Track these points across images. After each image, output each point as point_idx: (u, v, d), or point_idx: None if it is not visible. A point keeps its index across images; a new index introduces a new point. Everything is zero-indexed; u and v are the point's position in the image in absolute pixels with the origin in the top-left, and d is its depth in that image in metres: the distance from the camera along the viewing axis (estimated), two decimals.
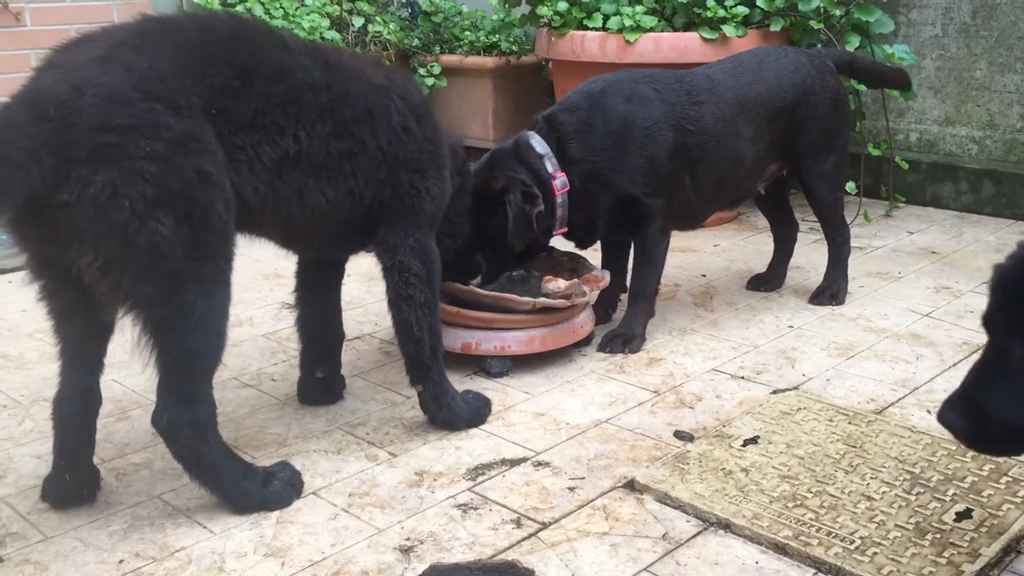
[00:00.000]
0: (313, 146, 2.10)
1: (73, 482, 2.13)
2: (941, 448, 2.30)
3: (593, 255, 3.19)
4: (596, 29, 4.05)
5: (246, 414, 2.59)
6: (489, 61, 5.13)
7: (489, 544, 1.99)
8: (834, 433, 2.40)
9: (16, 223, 1.87)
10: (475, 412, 2.50)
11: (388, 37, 5.08)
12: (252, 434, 2.48)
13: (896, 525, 2.01)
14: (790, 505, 2.09)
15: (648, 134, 2.87)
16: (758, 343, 3.02)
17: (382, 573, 1.90)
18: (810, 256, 3.77)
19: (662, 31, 4.01)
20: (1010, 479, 2.17)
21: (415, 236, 2.33)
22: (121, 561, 1.95)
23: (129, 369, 2.62)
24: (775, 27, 4.03)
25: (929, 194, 4.69)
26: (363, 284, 3.55)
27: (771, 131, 3.11)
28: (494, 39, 5.24)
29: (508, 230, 2.76)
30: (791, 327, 3.15)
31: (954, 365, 2.83)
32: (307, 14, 4.81)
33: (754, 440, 2.37)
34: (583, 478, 2.25)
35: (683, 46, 3.94)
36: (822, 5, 4.01)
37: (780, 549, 1.95)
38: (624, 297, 3.18)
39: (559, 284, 2.85)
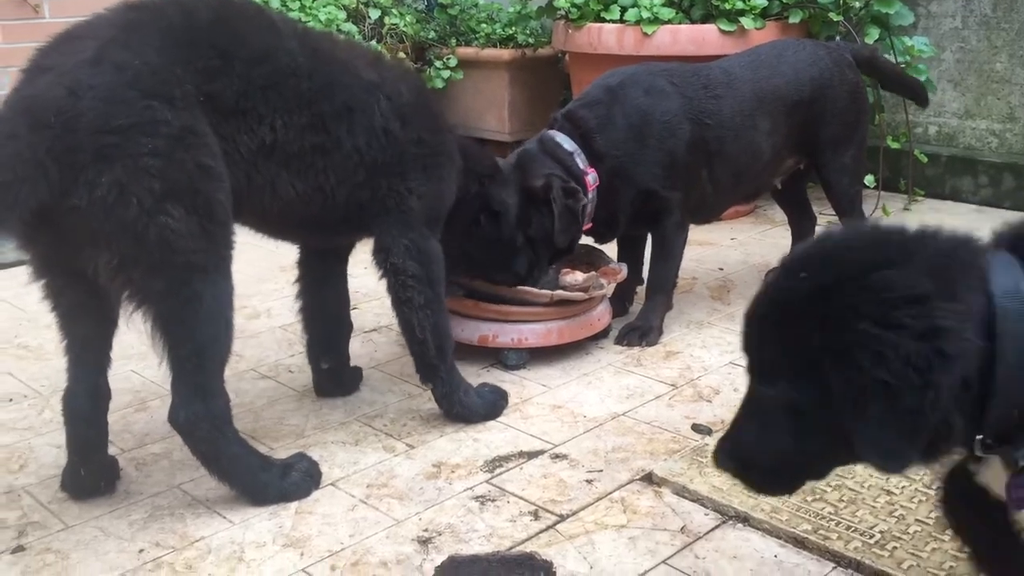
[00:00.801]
0: (288, 136, 2.06)
1: (88, 475, 2.14)
2: None
3: (608, 248, 3.18)
4: (613, 21, 4.03)
5: (264, 405, 2.60)
6: (505, 53, 5.12)
7: (507, 536, 2.00)
8: None
9: (22, 228, 1.85)
10: (491, 405, 2.50)
11: (404, 29, 5.07)
12: (270, 425, 2.49)
13: (916, 519, 2.00)
14: (809, 499, 2.08)
15: (667, 127, 2.86)
16: None
17: (400, 564, 1.91)
18: None
19: (680, 23, 3.99)
20: None
21: (408, 237, 2.30)
22: (141, 550, 1.96)
23: (147, 360, 2.62)
24: (794, 19, 4.00)
25: (948, 188, 4.66)
26: None
27: (789, 124, 3.09)
28: (510, 31, 5.23)
29: (554, 227, 2.71)
30: None
31: None
32: (324, 6, 4.81)
33: None
34: (601, 471, 2.25)
35: (701, 38, 3.92)
36: None
37: (799, 543, 1.95)
38: (640, 290, 3.17)
39: (576, 277, 2.85)
